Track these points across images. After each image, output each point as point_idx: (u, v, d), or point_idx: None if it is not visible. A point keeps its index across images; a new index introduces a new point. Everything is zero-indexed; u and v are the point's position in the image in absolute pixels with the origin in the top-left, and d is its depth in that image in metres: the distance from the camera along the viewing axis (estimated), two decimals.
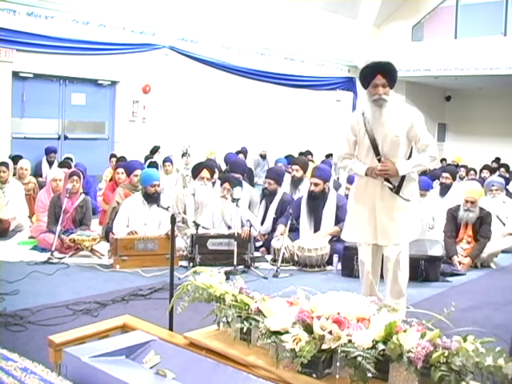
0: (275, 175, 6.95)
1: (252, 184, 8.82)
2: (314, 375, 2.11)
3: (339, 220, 6.10)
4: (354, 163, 4.07)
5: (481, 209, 6.26)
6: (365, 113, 3.94)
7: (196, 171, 6.90)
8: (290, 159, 10.59)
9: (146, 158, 10.14)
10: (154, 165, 8.97)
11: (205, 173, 6.77)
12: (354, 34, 15.41)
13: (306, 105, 14.55)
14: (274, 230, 6.44)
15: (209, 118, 12.25)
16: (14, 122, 9.61)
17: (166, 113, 11.59)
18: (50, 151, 9.58)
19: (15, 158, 8.51)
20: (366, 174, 3.97)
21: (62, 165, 8.47)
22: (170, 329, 2.92)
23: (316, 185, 6.20)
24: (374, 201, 4.02)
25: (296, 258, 5.89)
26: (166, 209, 5.48)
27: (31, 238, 6.63)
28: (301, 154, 12.70)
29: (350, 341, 2.06)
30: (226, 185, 6.37)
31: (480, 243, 6.17)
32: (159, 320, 3.17)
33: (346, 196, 6.71)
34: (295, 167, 7.41)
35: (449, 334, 2.02)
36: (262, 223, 6.69)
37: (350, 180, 6.85)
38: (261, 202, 6.89)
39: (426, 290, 5.23)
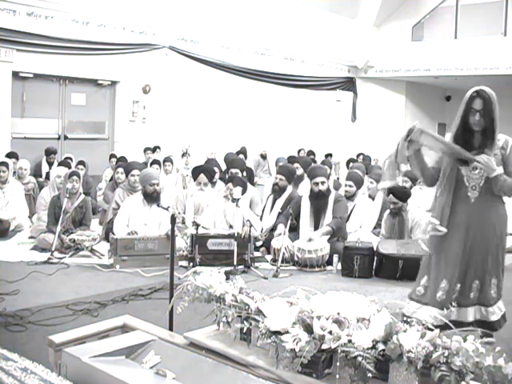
0: (287, 172, 6.95)
1: (252, 184, 8.82)
2: (314, 375, 2.11)
3: (334, 216, 6.10)
4: None
5: None
6: None
7: (194, 175, 6.92)
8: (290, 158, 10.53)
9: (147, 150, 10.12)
10: (156, 163, 8.97)
11: (201, 178, 6.78)
12: (354, 34, 15.40)
13: (306, 105, 14.54)
14: (275, 227, 6.38)
15: (209, 118, 12.24)
16: (14, 122, 9.58)
17: (166, 113, 11.58)
18: (49, 152, 9.55)
19: (10, 155, 8.50)
20: None
21: (61, 164, 8.46)
22: (170, 329, 2.93)
23: (323, 183, 6.21)
24: None
25: (296, 259, 5.89)
26: (166, 209, 5.47)
27: (31, 238, 6.63)
28: (303, 152, 12.70)
29: (350, 341, 2.06)
30: (230, 185, 6.36)
31: None
32: (159, 320, 3.17)
33: (346, 196, 6.72)
34: (296, 165, 7.41)
35: (449, 334, 2.02)
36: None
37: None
38: (268, 197, 6.89)
39: None
